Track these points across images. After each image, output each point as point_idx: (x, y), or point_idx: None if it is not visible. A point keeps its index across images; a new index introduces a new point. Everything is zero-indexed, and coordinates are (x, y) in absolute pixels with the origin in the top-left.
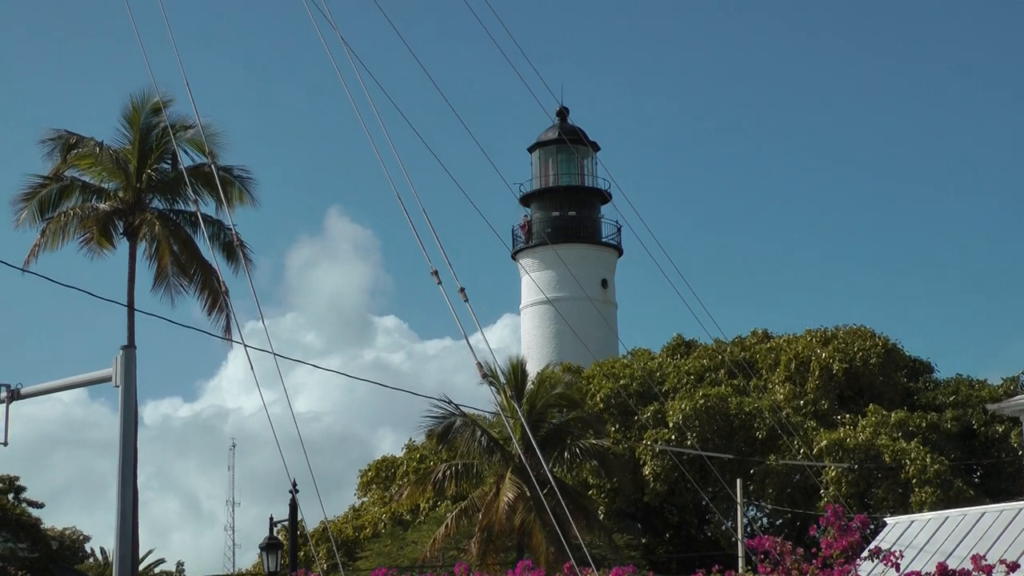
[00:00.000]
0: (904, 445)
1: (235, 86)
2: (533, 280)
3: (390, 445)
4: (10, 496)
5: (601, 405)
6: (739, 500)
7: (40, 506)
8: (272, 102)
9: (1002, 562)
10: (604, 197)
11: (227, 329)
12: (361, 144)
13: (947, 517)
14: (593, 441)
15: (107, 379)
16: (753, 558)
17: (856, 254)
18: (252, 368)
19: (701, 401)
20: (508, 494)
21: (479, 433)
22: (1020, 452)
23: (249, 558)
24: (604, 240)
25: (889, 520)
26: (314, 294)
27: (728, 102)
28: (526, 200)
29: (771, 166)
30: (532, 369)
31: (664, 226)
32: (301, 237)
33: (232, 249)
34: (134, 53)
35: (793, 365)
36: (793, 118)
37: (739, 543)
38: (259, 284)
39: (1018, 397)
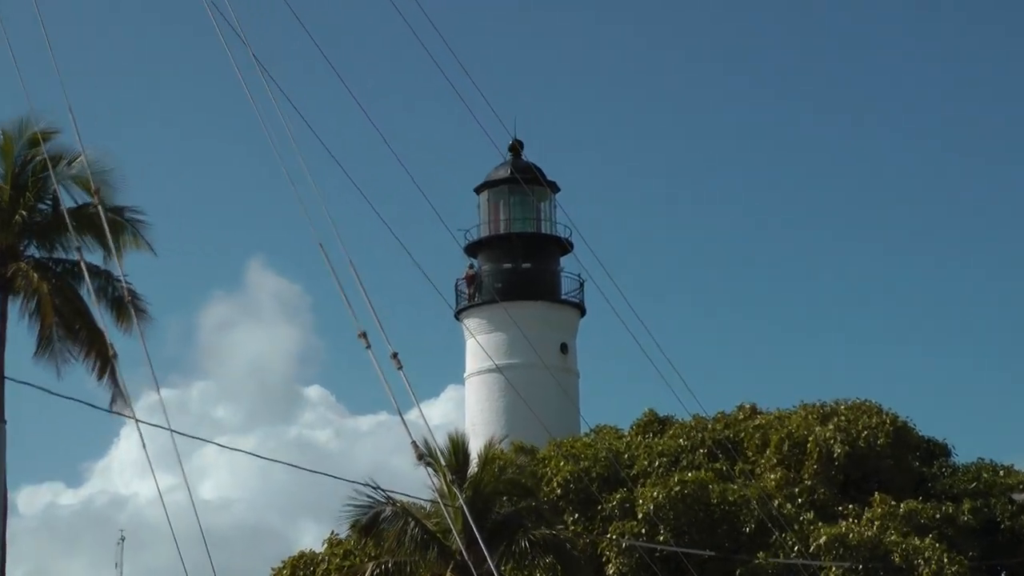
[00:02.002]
0: (916, 542)
1: (139, 122)
2: (479, 344)
3: (312, 539)
4: None
5: (559, 491)
6: None
7: None
8: (181, 138)
9: None
10: (564, 247)
11: (114, 400)
12: (285, 185)
13: None
14: (547, 531)
15: None
16: None
17: (859, 318)
18: (144, 447)
19: (677, 488)
20: None
21: (412, 524)
22: None
23: None
24: (564, 297)
25: None
26: (231, 360)
27: (710, 140)
28: (472, 249)
29: (761, 216)
30: (477, 448)
31: (635, 282)
32: (216, 293)
33: (123, 305)
34: (8, 75)
35: (786, 446)
36: (787, 160)
37: None
38: (165, 348)
39: None
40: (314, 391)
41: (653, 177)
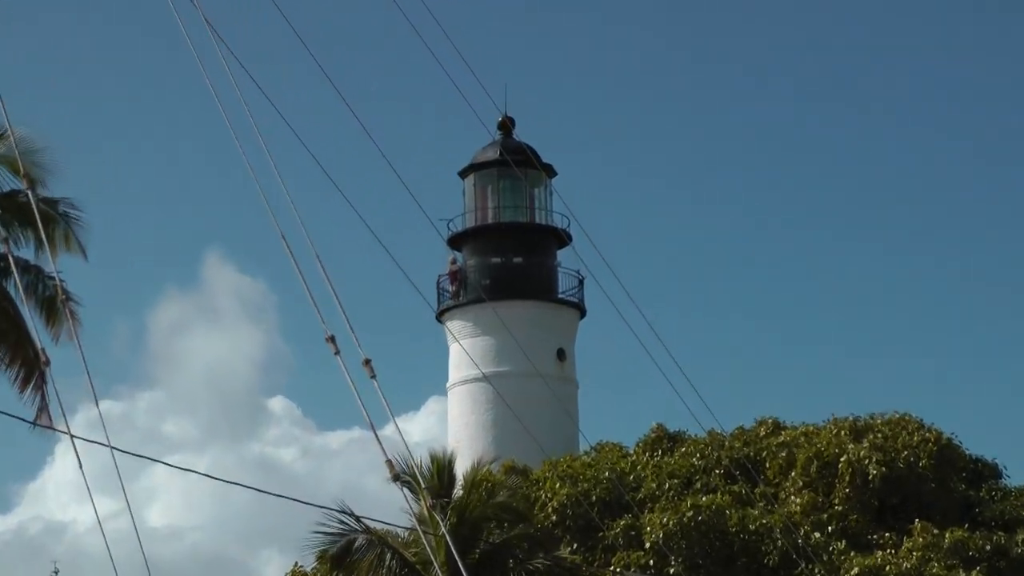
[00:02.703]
0: None
1: (80, 103)
2: (464, 349)
3: (275, 571)
4: None
5: (554, 518)
6: None
7: None
8: (129, 119)
9: None
10: (562, 239)
11: (40, 413)
12: (244, 169)
13: None
14: (543, 560)
15: None
16: None
17: (898, 324)
18: (81, 467)
19: (690, 514)
20: None
21: (389, 555)
22: None
23: None
24: (561, 296)
25: None
26: (184, 368)
27: (730, 116)
28: (457, 241)
29: (786, 206)
30: (463, 468)
31: (642, 280)
32: (169, 291)
33: (55, 306)
34: None
35: (814, 466)
36: (814, 133)
37: None
38: (109, 354)
39: None
40: (278, 403)
41: (662, 162)
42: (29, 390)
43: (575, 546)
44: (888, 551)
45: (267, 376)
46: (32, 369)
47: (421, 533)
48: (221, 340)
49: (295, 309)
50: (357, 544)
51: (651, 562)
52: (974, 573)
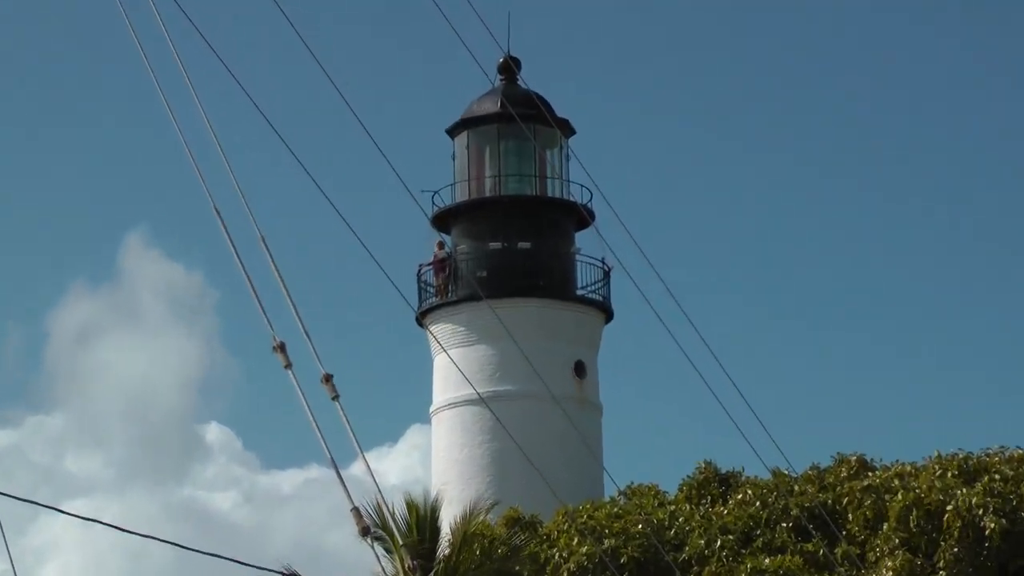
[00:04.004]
0: None
1: None
2: (453, 361)
3: None
4: None
5: None
6: None
7: None
8: (26, 59)
9: None
10: (582, 217)
11: None
12: (172, 129)
13: None
14: None
15: None
16: None
17: (1016, 334)
18: None
19: None
20: None
21: None
22: None
23: None
24: (581, 293)
25: None
26: (95, 387)
27: (800, 50)
28: (444, 220)
29: (877, 176)
30: (451, 519)
31: (688, 272)
32: (75, 285)
33: None
34: None
35: (913, 518)
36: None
37: None
38: None
39: None
40: (215, 433)
41: (713, 117)
42: None
43: None
44: None
45: (201, 398)
46: None
47: None
48: (142, 350)
49: (240, 309)
50: None
51: None
52: None
